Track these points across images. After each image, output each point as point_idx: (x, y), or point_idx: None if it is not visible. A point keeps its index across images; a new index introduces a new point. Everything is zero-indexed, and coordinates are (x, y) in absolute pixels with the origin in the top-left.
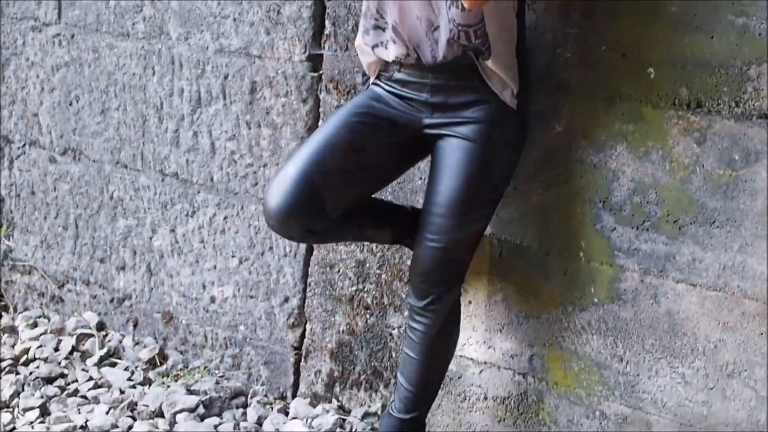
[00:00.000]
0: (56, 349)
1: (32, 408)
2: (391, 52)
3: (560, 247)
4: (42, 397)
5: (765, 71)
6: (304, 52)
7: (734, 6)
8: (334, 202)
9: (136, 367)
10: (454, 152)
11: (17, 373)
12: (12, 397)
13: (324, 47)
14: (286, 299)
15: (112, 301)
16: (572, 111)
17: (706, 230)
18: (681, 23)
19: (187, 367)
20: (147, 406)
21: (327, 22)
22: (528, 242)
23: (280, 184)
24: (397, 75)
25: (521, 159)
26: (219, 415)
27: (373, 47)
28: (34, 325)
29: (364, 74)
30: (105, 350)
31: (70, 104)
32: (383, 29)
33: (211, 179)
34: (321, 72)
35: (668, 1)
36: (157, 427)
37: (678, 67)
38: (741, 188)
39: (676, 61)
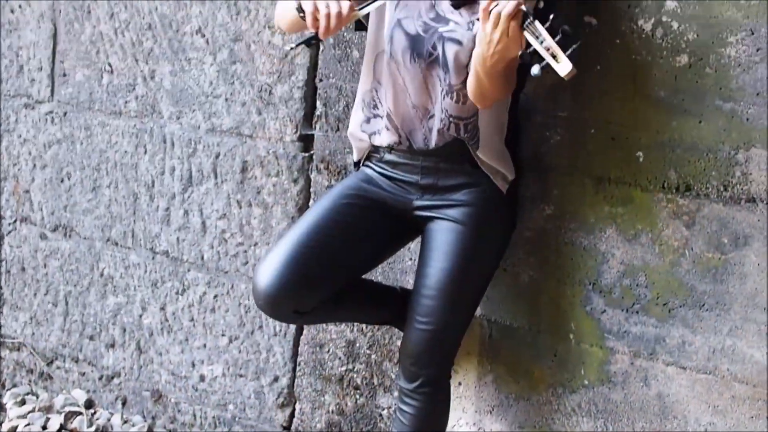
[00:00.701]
0: (44, 427)
1: None
2: (384, 138)
3: (550, 328)
4: None
5: (753, 156)
6: (296, 132)
7: (722, 91)
8: (324, 284)
9: None
10: (444, 234)
11: None
12: None
13: (315, 128)
14: (276, 378)
15: (101, 378)
16: (562, 193)
17: (696, 313)
18: (669, 107)
19: None
20: None
21: (318, 103)
22: (518, 323)
23: (270, 266)
24: (388, 157)
25: (511, 240)
26: None
27: (370, 135)
28: (23, 402)
29: (355, 158)
30: (93, 428)
31: (62, 181)
32: (381, 117)
33: (202, 258)
34: (312, 152)
35: (657, 86)
36: None
37: (667, 151)
38: (730, 271)
39: (664, 145)
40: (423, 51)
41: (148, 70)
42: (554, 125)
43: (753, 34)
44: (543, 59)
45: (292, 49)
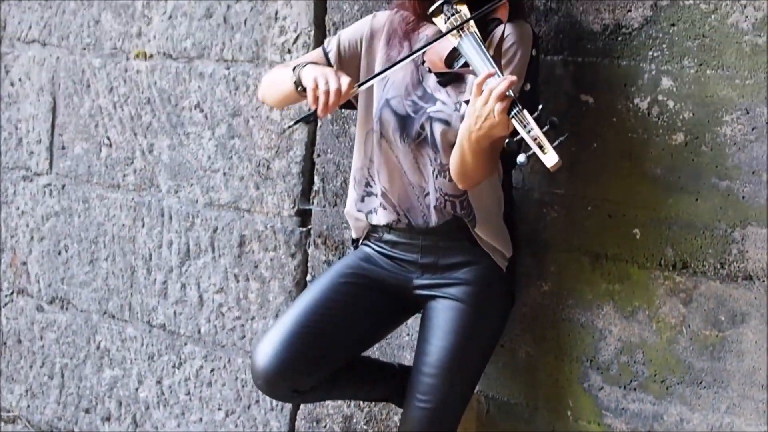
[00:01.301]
0: None
1: None
2: (382, 217)
3: (547, 404)
4: None
5: (749, 234)
6: (293, 207)
7: (718, 169)
8: (323, 364)
9: None
10: (444, 313)
11: None
12: None
13: (313, 202)
14: None
15: None
16: (559, 270)
17: (694, 390)
18: (666, 185)
19: None
20: None
21: (316, 178)
22: (515, 399)
23: (269, 346)
24: (387, 236)
25: (509, 316)
26: None
27: (366, 214)
28: None
29: (354, 236)
30: None
31: (59, 253)
32: (375, 195)
33: (199, 331)
34: (310, 227)
35: (653, 164)
36: None
37: (663, 228)
38: (727, 349)
39: (661, 222)
40: (412, 131)
41: (147, 144)
42: (551, 202)
43: (748, 113)
44: (530, 148)
45: (290, 126)
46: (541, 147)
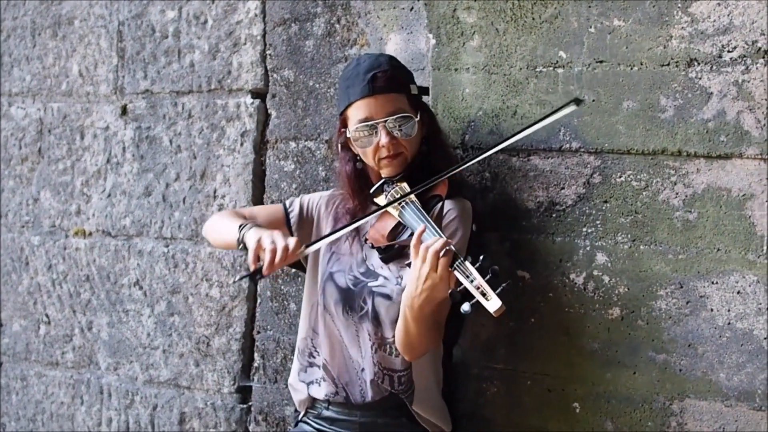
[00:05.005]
0: None
1: None
2: (322, 390)
3: None
4: None
5: (687, 407)
6: (233, 384)
7: (654, 343)
8: None
9: None
10: None
11: None
12: None
13: (253, 379)
14: None
15: None
16: None
17: None
18: (604, 359)
19: None
20: None
21: (256, 355)
22: None
23: None
24: (326, 413)
25: None
26: None
27: (308, 384)
28: None
29: (296, 410)
30: None
31: None
32: (318, 366)
33: None
34: (250, 404)
35: (590, 338)
36: None
37: (602, 402)
38: None
39: (600, 396)
40: (354, 305)
41: (86, 321)
42: (490, 377)
43: (682, 287)
44: (473, 297)
45: (235, 281)
46: (484, 295)
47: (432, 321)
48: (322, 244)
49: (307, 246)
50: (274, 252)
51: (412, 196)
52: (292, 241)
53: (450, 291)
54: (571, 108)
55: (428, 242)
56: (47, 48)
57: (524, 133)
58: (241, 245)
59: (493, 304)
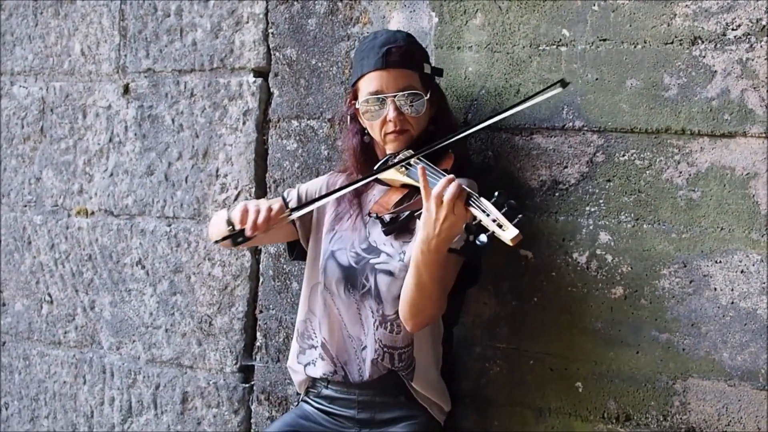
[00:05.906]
0: None
1: None
2: (319, 369)
3: None
4: None
5: (690, 386)
6: (236, 363)
7: (657, 322)
8: None
9: None
10: None
11: None
12: None
13: (255, 359)
14: None
15: None
16: (502, 425)
17: None
18: (606, 338)
19: None
20: None
21: (258, 334)
22: None
23: None
24: (325, 391)
25: None
26: None
27: (305, 366)
28: None
29: (297, 392)
30: None
31: (0, 412)
32: (315, 347)
33: None
34: (252, 383)
35: (593, 317)
36: None
37: (605, 381)
38: None
39: (603, 376)
40: (357, 282)
41: (88, 301)
42: (493, 357)
43: (685, 266)
44: (489, 230)
45: (217, 242)
46: (500, 226)
47: (441, 272)
48: (306, 211)
49: (293, 210)
50: (257, 212)
51: (420, 157)
52: (276, 203)
53: (465, 225)
54: (557, 90)
55: (441, 188)
56: (49, 27)
57: (504, 114)
58: (229, 225)
59: (509, 233)
